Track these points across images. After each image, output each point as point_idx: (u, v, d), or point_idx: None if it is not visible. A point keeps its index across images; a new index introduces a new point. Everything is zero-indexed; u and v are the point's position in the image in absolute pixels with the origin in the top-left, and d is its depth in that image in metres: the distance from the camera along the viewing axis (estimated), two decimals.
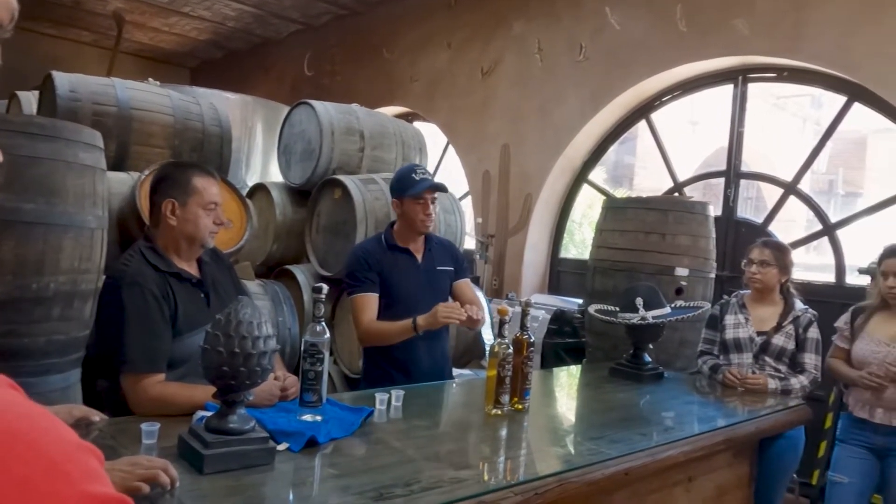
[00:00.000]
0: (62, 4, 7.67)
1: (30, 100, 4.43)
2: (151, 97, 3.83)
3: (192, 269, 2.01)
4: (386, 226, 2.76)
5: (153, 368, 1.80)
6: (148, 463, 1.29)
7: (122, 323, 1.80)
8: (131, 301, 1.82)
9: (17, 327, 2.26)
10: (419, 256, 2.64)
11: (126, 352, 1.79)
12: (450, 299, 2.60)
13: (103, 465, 0.55)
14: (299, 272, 4.16)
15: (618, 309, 2.97)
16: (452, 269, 2.71)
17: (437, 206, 2.63)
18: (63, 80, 3.57)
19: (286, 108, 4.73)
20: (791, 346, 2.79)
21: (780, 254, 2.87)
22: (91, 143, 2.49)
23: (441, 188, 2.62)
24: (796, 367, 2.78)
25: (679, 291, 3.60)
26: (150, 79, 4.22)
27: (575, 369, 3.39)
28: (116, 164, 3.61)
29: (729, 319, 2.91)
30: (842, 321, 2.86)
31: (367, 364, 2.68)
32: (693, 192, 5.23)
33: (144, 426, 1.55)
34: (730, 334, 2.88)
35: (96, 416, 1.64)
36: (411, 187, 2.53)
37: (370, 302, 2.51)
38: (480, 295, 4.21)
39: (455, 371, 3.16)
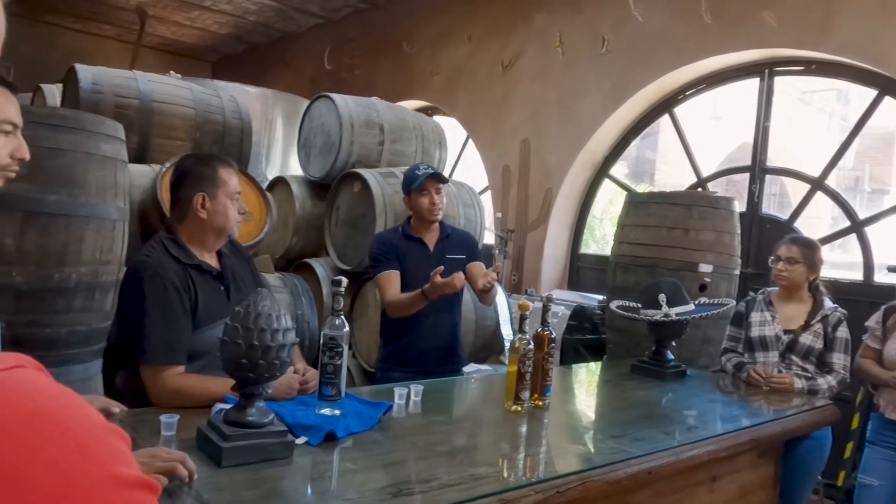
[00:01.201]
0: None
1: (53, 92, 4.47)
2: (173, 90, 3.85)
3: (212, 262, 2.00)
4: (405, 219, 2.97)
5: (173, 360, 1.79)
6: (166, 455, 1.29)
7: (143, 314, 1.80)
8: (152, 292, 1.81)
9: (40, 318, 2.28)
10: (431, 245, 2.86)
11: (146, 343, 1.78)
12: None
13: (130, 448, 0.54)
14: (318, 265, 4.17)
15: (640, 305, 2.92)
16: (465, 257, 2.90)
17: (443, 196, 2.84)
18: (86, 73, 3.60)
19: (306, 102, 4.72)
20: (819, 345, 2.72)
21: (809, 251, 2.81)
22: (113, 134, 2.51)
23: (440, 177, 2.81)
24: (824, 366, 2.72)
25: (703, 288, 3.54)
26: (171, 72, 4.24)
27: (595, 366, 3.35)
28: (138, 156, 3.63)
29: (755, 317, 2.85)
30: (873, 320, 2.78)
31: (382, 341, 2.92)
32: (716, 188, 5.14)
33: (163, 418, 1.55)
34: (755, 332, 2.82)
35: (116, 407, 1.64)
36: (414, 181, 2.78)
37: (393, 277, 2.75)
38: (499, 294, 4.19)
39: (474, 366, 3.16)
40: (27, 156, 1.25)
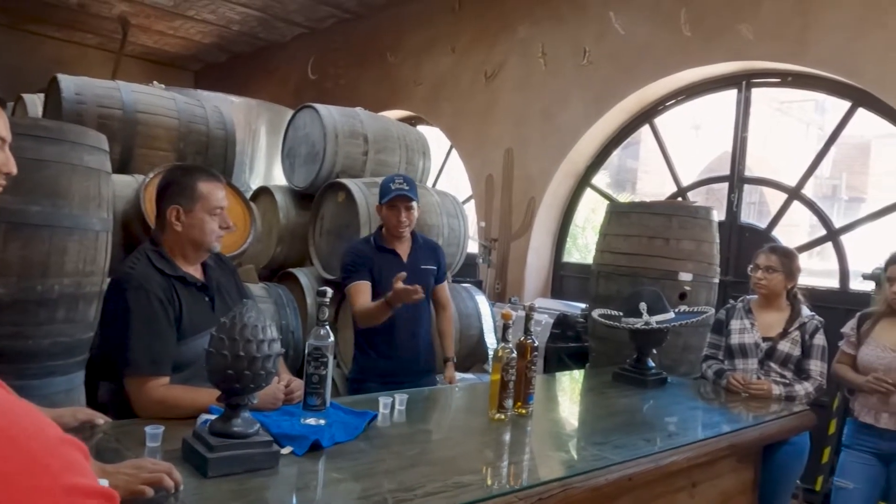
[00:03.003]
0: (67, 8, 7.70)
1: (35, 102, 4.44)
2: (156, 100, 3.84)
3: (197, 273, 2.00)
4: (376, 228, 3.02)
5: (158, 371, 1.80)
6: (152, 466, 1.29)
7: (127, 326, 1.80)
8: (137, 304, 1.81)
9: (22, 329, 2.27)
10: (405, 256, 2.88)
11: (130, 354, 1.79)
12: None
13: (88, 459, 0.55)
14: (303, 275, 4.17)
15: (621, 314, 2.96)
16: (435, 267, 2.96)
17: (413, 212, 2.86)
18: (68, 83, 3.58)
19: (290, 112, 4.74)
20: (797, 352, 2.77)
21: (787, 259, 2.86)
22: (96, 145, 2.50)
23: (408, 198, 2.80)
24: (801, 373, 2.77)
25: (683, 296, 3.59)
26: (154, 82, 4.24)
27: (578, 374, 3.39)
28: (121, 166, 3.62)
29: (734, 324, 2.90)
30: (848, 327, 2.85)
31: (355, 352, 2.94)
32: (696, 197, 5.22)
33: (149, 429, 1.55)
34: (735, 339, 2.87)
35: (100, 418, 1.64)
36: (386, 195, 2.81)
37: (363, 288, 2.77)
38: (483, 303, 4.22)
39: (458, 375, 3.17)
40: (14, 170, 1.25)
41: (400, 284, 2.46)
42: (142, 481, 1.23)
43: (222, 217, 1.99)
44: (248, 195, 4.34)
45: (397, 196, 2.79)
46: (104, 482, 0.93)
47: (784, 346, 2.78)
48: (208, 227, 1.95)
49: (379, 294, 2.72)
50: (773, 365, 2.79)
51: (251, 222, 3.79)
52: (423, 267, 2.89)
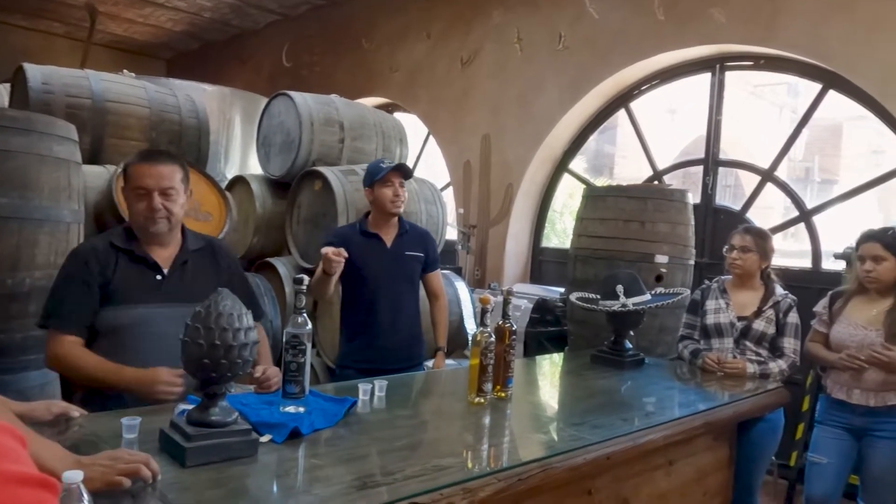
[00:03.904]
0: None
1: (1, 93, 4.34)
2: (127, 89, 3.78)
3: (164, 253, 2.00)
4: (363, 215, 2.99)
5: (64, 326, 1.86)
6: (129, 457, 1.28)
7: (55, 283, 1.91)
8: (66, 265, 1.93)
9: None
10: (388, 241, 2.87)
11: (46, 306, 1.90)
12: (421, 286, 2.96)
13: (25, 446, 0.53)
14: (280, 264, 4.14)
15: (599, 297, 2.99)
16: (422, 255, 2.93)
17: (405, 191, 2.85)
18: (35, 73, 3.51)
19: (265, 100, 4.68)
20: (771, 330, 2.82)
21: (761, 240, 2.91)
22: (65, 135, 2.46)
23: (405, 170, 2.85)
24: (776, 351, 2.82)
25: (659, 278, 3.63)
26: (125, 70, 4.16)
27: (557, 357, 3.42)
28: (92, 157, 3.56)
29: (710, 304, 2.94)
30: (820, 306, 2.90)
31: (342, 338, 2.93)
32: (672, 181, 5.27)
33: (125, 420, 1.54)
34: (710, 319, 2.91)
35: (76, 411, 1.63)
36: (378, 173, 2.79)
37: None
38: (462, 289, 4.22)
39: None
40: None
41: (327, 249, 2.44)
42: (118, 472, 1.22)
43: (151, 199, 1.92)
44: (224, 185, 4.29)
45: (394, 170, 2.78)
46: (79, 474, 0.92)
47: (759, 325, 2.83)
48: (134, 208, 1.96)
49: (357, 278, 2.75)
50: (748, 343, 2.83)
51: (227, 212, 3.75)
52: (407, 253, 2.88)
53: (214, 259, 2.12)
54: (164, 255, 2.00)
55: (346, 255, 2.47)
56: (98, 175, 3.44)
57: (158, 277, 1.97)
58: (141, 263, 1.96)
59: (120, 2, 7.66)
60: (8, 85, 4.04)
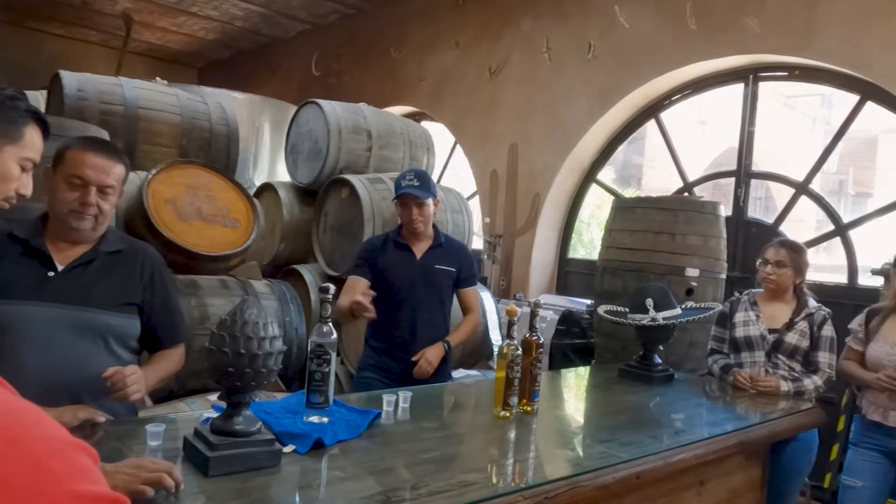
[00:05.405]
0: (70, 4, 7.70)
1: (38, 99, 4.43)
2: (159, 96, 3.83)
3: (57, 248, 1.76)
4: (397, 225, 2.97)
5: None
6: (152, 465, 1.28)
7: None
8: None
9: None
10: (419, 253, 2.82)
11: None
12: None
13: (97, 463, 0.53)
14: (306, 272, 4.15)
15: (627, 310, 2.94)
16: (454, 269, 2.84)
17: (427, 209, 2.78)
18: (71, 80, 3.57)
19: (293, 108, 4.72)
20: (805, 343, 2.73)
21: (796, 255, 2.82)
22: None
23: (414, 195, 2.74)
24: (810, 365, 2.73)
25: (689, 292, 3.56)
26: (157, 78, 4.23)
27: (584, 370, 3.37)
28: None
29: (739, 317, 2.86)
30: (856, 323, 2.81)
31: (366, 347, 2.89)
32: (702, 193, 5.18)
33: (149, 427, 1.54)
34: (740, 332, 2.83)
35: (101, 417, 1.63)
36: (396, 191, 2.81)
37: (353, 283, 2.72)
38: (488, 299, 4.19)
39: (463, 372, 3.15)
40: (29, 193, 1.30)
41: (360, 298, 2.45)
42: (142, 481, 1.22)
43: (86, 191, 1.71)
44: (252, 192, 4.33)
45: (404, 194, 2.77)
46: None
47: (791, 338, 2.74)
48: (60, 196, 1.71)
49: (386, 287, 2.71)
50: (781, 357, 2.75)
51: (254, 219, 3.77)
52: (437, 267, 2.80)
53: (133, 266, 1.86)
54: (69, 253, 1.76)
55: (372, 313, 2.48)
56: (129, 181, 3.48)
57: (50, 274, 1.72)
58: (35, 257, 1.72)
59: (154, 11, 7.81)
60: (45, 92, 4.13)
